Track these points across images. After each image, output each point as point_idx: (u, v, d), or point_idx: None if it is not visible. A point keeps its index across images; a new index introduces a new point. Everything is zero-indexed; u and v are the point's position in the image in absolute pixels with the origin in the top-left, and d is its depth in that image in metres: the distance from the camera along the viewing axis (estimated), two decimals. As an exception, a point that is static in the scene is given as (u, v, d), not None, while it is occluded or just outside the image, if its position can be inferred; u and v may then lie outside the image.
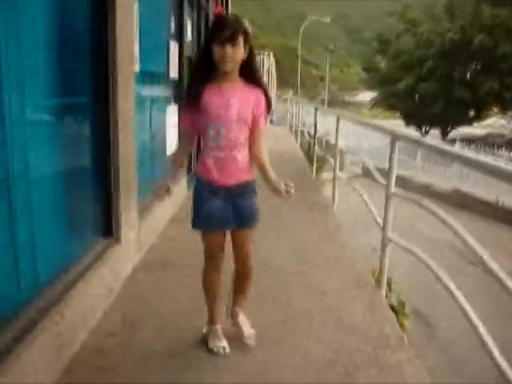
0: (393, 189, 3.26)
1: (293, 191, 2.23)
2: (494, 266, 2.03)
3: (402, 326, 4.58)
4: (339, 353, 2.60)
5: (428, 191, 19.42)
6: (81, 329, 2.58)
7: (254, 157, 2.40)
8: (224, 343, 2.52)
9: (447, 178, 19.18)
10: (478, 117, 34.99)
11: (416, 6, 38.56)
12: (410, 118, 35.21)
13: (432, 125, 34.77)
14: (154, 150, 4.60)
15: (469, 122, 34.75)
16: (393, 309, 4.67)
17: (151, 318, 2.90)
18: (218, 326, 2.59)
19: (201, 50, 2.35)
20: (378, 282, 3.49)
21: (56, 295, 2.38)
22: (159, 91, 4.97)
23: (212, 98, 2.26)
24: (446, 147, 3.07)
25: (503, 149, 24.36)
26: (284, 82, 41.40)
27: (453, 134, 34.14)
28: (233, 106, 2.26)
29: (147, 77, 4.26)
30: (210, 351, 2.51)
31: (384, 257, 3.37)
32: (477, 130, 38.06)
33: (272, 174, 2.35)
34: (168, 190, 2.37)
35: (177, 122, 5.37)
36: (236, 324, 2.66)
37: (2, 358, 1.88)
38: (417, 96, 33.49)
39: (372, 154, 21.86)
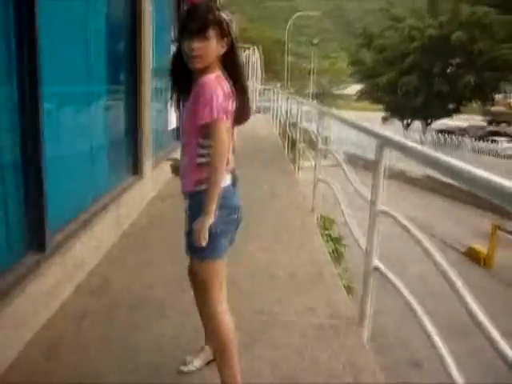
0: (319, 145, 5.05)
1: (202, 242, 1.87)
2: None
3: (337, 251, 6.41)
4: (286, 234, 4.46)
5: (403, 176, 21.41)
6: (129, 218, 4.41)
7: None
8: None
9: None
10: (457, 110, 36.57)
11: (401, 3, 40.21)
12: (393, 111, 36.85)
13: (414, 117, 36.28)
14: (160, 123, 6.39)
15: (448, 114, 36.31)
16: (332, 239, 6.52)
17: (164, 219, 4.71)
18: None
19: (176, 47, 2.05)
20: (312, 208, 5.28)
21: (113, 197, 4.12)
22: (163, 82, 6.72)
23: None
24: (360, 124, 4.40)
25: (477, 140, 26.09)
26: (273, 75, 43.13)
27: (434, 125, 35.74)
28: (186, 107, 2.01)
29: (156, 71, 6.00)
30: None
31: (315, 190, 5.15)
32: (459, 122, 39.71)
33: (206, 205, 1.87)
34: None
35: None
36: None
37: (85, 228, 3.63)
38: (399, 89, 34.96)
39: (356, 144, 23.84)
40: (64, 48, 3.24)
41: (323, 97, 55.91)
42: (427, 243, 2.19)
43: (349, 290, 4.80)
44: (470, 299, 1.69)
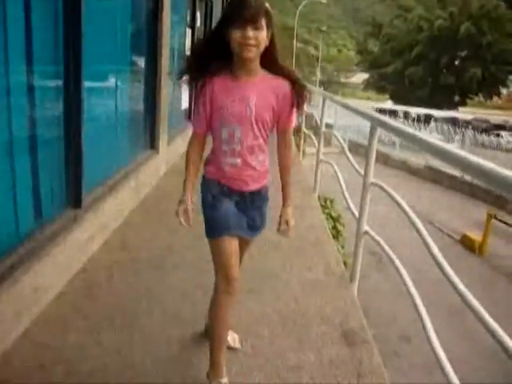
0: (323, 129, 5.47)
1: (290, 233, 2.17)
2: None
3: (336, 228, 6.84)
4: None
5: (405, 166, 21.83)
6: (145, 188, 4.85)
7: (280, 168, 2.20)
8: None
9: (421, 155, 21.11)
10: (463, 102, 36.81)
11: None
12: (398, 101, 37.15)
13: (419, 107, 36.57)
14: (174, 102, 6.81)
15: (453, 106, 36.59)
16: (332, 218, 6.94)
17: (176, 191, 5.14)
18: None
19: (210, 33, 2.02)
20: (314, 187, 5.71)
21: (133, 168, 4.56)
22: (177, 64, 7.12)
23: (226, 92, 1.94)
24: (354, 106, 5.08)
25: (481, 133, 26.27)
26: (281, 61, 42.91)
27: (439, 116, 35.89)
28: (251, 104, 1.92)
29: (172, 54, 6.40)
30: None
31: (317, 170, 5.57)
32: (464, 114, 39.85)
33: (289, 203, 2.19)
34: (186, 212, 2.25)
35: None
36: None
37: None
38: (405, 80, 35.18)
39: (358, 131, 24.21)
40: (100, 33, 3.66)
41: (329, 84, 56.05)
42: (412, 213, 2.57)
43: (344, 264, 5.23)
44: (446, 264, 2.02)
